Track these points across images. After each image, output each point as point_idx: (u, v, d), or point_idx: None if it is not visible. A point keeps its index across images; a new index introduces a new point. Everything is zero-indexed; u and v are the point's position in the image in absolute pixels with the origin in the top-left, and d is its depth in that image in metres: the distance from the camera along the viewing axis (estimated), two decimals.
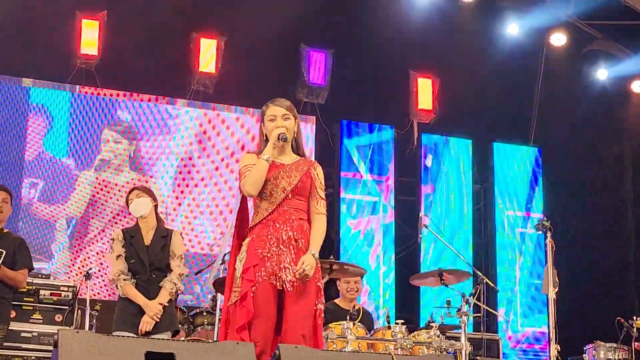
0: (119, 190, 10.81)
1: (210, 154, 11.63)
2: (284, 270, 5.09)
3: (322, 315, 5.24)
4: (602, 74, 12.89)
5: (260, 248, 5.13)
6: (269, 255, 5.11)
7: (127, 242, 6.68)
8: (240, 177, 5.29)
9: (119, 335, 5.83)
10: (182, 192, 11.43)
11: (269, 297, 5.07)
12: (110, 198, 10.96)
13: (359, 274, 8.31)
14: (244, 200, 5.39)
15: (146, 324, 6.48)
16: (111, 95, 11.34)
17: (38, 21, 10.84)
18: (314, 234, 5.29)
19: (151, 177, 11.22)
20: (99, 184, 11.01)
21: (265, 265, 5.09)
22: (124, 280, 6.56)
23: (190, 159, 11.54)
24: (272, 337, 5.08)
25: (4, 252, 6.92)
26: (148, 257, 6.63)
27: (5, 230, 7.13)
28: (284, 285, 5.08)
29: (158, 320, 6.50)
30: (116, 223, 10.66)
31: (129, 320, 6.51)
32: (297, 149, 5.42)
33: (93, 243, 10.81)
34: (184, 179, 11.48)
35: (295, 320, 5.06)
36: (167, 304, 6.59)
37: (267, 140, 5.31)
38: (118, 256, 6.63)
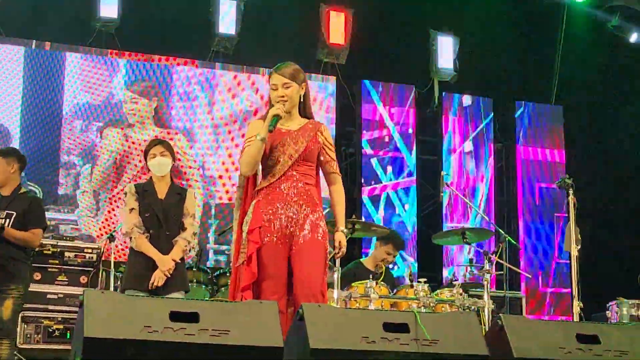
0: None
1: (242, 110, 11.65)
2: (291, 234, 5.20)
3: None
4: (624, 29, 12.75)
5: (266, 211, 5.22)
6: (273, 217, 5.20)
7: (140, 196, 6.67)
8: (242, 148, 5.37)
9: (132, 295, 5.86)
10: (217, 144, 11.52)
11: (276, 256, 5.18)
12: (132, 154, 11.03)
13: (383, 234, 8.36)
14: None
15: (158, 278, 6.44)
16: (133, 57, 11.35)
17: None
18: (337, 204, 5.46)
19: (176, 133, 11.30)
20: (126, 140, 11.09)
21: (271, 227, 5.19)
22: (138, 232, 6.55)
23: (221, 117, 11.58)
24: (284, 296, 5.14)
25: (15, 213, 6.98)
26: (162, 211, 6.62)
27: (23, 191, 7.19)
28: (292, 248, 5.19)
29: (169, 276, 6.51)
30: (139, 178, 10.71)
31: (140, 276, 6.46)
32: (305, 113, 5.46)
33: (116, 200, 10.88)
34: (218, 133, 11.53)
35: (309, 279, 5.13)
36: (179, 261, 6.61)
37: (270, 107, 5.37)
38: (131, 209, 6.59)
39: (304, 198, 5.27)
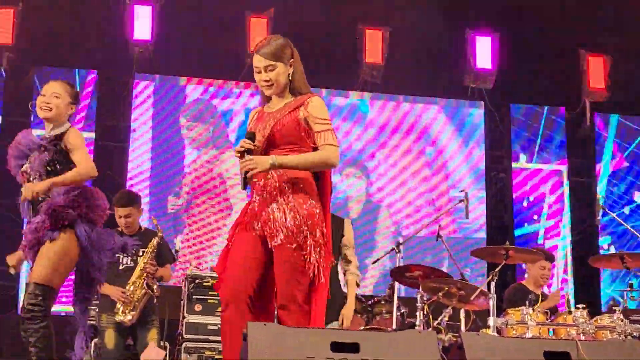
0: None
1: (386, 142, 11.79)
2: (261, 223, 4.67)
3: (320, 272, 4.63)
4: None
5: (247, 209, 4.79)
6: (249, 213, 4.74)
7: None
8: None
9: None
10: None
11: (244, 244, 4.70)
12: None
13: (538, 259, 8.24)
14: None
15: (347, 319, 6.59)
16: None
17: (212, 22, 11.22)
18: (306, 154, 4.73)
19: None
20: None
21: (244, 222, 4.76)
22: None
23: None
24: (246, 290, 4.60)
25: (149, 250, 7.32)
26: None
27: (143, 228, 7.60)
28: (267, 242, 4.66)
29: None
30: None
31: None
32: (295, 90, 4.82)
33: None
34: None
35: (280, 284, 4.61)
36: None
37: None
38: None
39: (283, 189, 4.67)
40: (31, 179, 5.46)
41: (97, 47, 10.86)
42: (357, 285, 6.81)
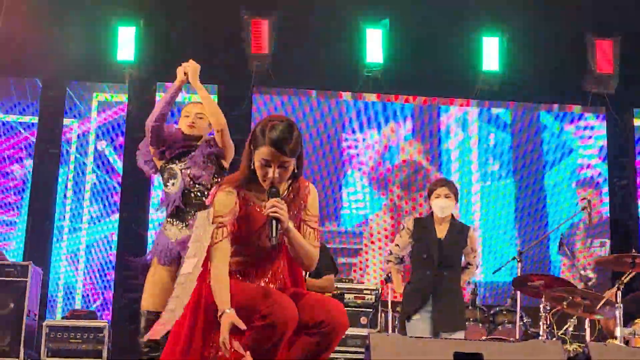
0: None
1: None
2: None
3: None
4: None
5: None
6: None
7: (416, 234, 6.81)
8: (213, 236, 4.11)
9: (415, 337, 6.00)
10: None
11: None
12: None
13: None
14: None
15: None
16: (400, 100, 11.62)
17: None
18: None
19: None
20: None
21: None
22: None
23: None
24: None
25: None
26: (438, 252, 6.70)
27: None
28: None
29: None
30: None
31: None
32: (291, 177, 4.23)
33: None
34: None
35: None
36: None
37: (251, 170, 4.13)
38: (396, 245, 6.97)
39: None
40: (199, 187, 5.83)
41: (217, 61, 11.02)
42: (468, 282, 6.86)
